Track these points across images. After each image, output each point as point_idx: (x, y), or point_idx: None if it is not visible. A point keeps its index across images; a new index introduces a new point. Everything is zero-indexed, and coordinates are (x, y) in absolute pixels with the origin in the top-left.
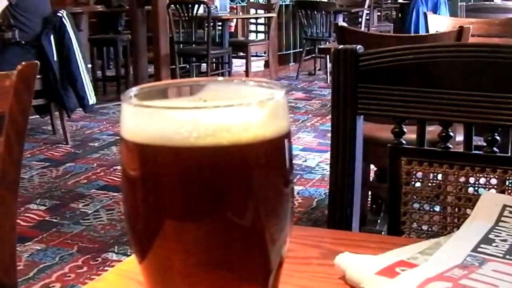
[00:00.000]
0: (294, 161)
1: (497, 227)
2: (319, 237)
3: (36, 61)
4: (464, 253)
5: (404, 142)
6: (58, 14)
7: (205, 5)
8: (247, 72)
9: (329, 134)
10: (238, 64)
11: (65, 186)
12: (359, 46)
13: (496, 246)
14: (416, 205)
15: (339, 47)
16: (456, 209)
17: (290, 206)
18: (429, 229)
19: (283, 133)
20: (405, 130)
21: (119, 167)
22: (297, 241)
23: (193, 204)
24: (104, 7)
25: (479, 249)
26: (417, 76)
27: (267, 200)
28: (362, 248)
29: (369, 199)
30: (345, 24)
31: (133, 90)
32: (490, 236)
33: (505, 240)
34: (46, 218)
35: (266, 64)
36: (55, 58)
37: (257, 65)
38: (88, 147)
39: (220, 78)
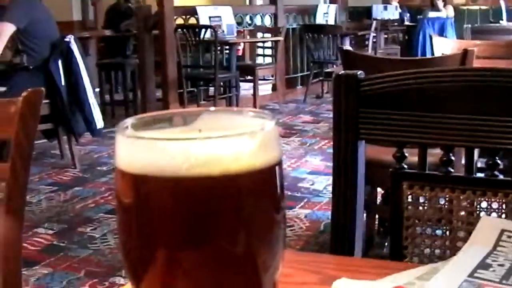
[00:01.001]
0: (302, 184)
1: (495, 252)
2: (318, 262)
3: (42, 88)
4: (460, 278)
5: (405, 166)
6: (66, 39)
7: (212, 30)
8: (254, 96)
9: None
10: (246, 88)
11: (73, 210)
12: (360, 72)
13: (493, 271)
14: (418, 229)
15: (340, 73)
16: (458, 233)
17: (282, 232)
18: (431, 253)
19: (274, 162)
20: (406, 154)
21: None
22: (297, 266)
23: (185, 233)
24: (112, 31)
25: (476, 274)
26: (418, 100)
27: (259, 227)
28: (361, 274)
29: (377, 222)
30: (350, 48)
31: (129, 121)
32: (488, 261)
33: (502, 265)
34: (54, 242)
35: (274, 88)
36: (63, 83)
37: (265, 88)
38: (96, 171)
39: (213, 108)
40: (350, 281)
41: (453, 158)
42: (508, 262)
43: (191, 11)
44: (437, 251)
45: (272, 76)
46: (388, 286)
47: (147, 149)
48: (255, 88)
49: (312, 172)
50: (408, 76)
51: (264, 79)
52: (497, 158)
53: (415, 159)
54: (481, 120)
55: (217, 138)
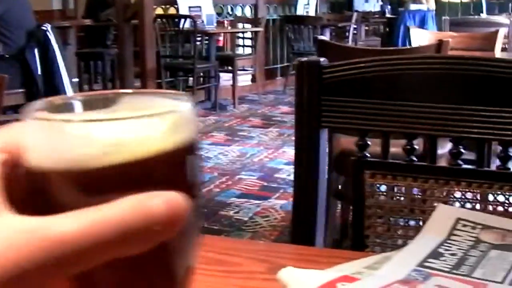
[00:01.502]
0: (278, 175)
1: (448, 241)
2: (268, 251)
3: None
4: (409, 267)
5: (368, 155)
6: (42, 28)
7: (191, 20)
8: (233, 87)
9: None
10: (225, 78)
11: None
12: (323, 59)
13: (444, 260)
14: (380, 219)
15: (303, 60)
16: (420, 223)
17: (195, 220)
18: (393, 243)
19: (186, 145)
20: (369, 143)
21: None
22: (245, 255)
23: None
24: (92, 21)
25: (426, 264)
26: (381, 88)
27: None
28: (311, 263)
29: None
30: (326, 38)
31: (38, 104)
32: (440, 250)
33: (454, 254)
34: None
35: (253, 78)
36: (39, 72)
37: (244, 79)
38: None
39: (131, 90)
40: (296, 270)
41: (416, 146)
42: (460, 252)
43: (171, 0)
44: (400, 240)
45: (252, 67)
46: (334, 275)
47: (49, 135)
48: (234, 79)
49: (289, 163)
50: (371, 63)
51: (243, 70)
52: (460, 147)
53: (396, 149)
54: (444, 109)
55: (124, 119)
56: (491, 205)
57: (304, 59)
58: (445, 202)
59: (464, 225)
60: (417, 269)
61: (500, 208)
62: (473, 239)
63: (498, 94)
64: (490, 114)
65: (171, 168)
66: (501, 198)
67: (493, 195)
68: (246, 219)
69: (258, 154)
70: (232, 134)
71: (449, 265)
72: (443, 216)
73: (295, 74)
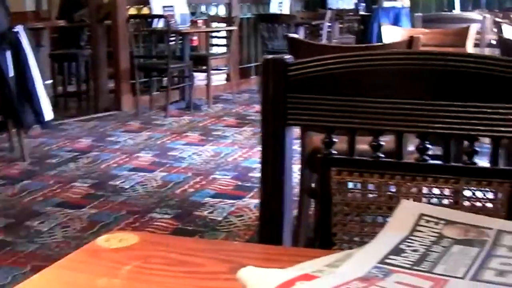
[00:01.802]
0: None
1: (410, 237)
2: (230, 251)
3: None
4: (370, 265)
5: (334, 152)
6: (14, 30)
7: (165, 19)
8: (208, 86)
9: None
10: (200, 78)
11: (20, 204)
12: (288, 56)
13: (406, 256)
14: (347, 216)
15: (268, 57)
16: (387, 219)
17: None
18: (361, 241)
19: None
20: (335, 140)
21: (76, 184)
22: (207, 255)
23: None
24: (65, 22)
25: (387, 260)
26: (346, 85)
27: None
28: (274, 262)
29: None
30: (296, 36)
31: None
32: (401, 246)
33: (416, 250)
34: (0, 237)
35: (228, 78)
36: (11, 74)
37: (218, 78)
38: (46, 164)
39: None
40: (256, 269)
41: (383, 143)
42: (422, 248)
43: (144, 0)
44: (367, 238)
45: (226, 66)
46: (294, 274)
47: None
48: (208, 78)
49: None
50: (337, 60)
51: (218, 69)
52: (427, 142)
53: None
54: (410, 104)
55: None
56: (458, 200)
57: (270, 56)
58: (413, 198)
59: (427, 221)
60: (378, 266)
61: (466, 203)
62: (436, 234)
63: (464, 90)
64: (457, 109)
65: None
66: (467, 193)
67: (460, 190)
68: (220, 219)
69: (232, 153)
70: (207, 134)
71: (410, 261)
72: (406, 212)
73: (261, 72)
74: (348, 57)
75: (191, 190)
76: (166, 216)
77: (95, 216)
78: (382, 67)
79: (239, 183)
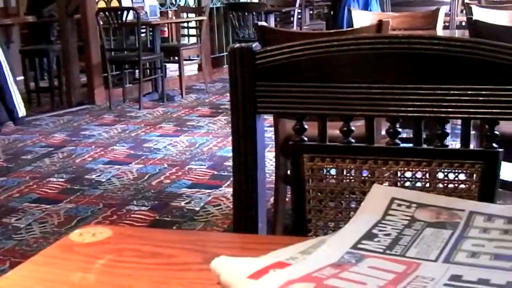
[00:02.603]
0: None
1: (383, 221)
2: (203, 241)
3: None
4: (343, 250)
5: (305, 138)
6: None
7: (134, 11)
8: (180, 77)
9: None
10: (173, 69)
11: None
12: (255, 44)
13: (378, 241)
14: (321, 202)
15: (235, 46)
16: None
17: None
18: (336, 226)
19: None
20: (306, 126)
21: (52, 179)
22: (180, 246)
23: None
24: (35, 17)
25: (360, 246)
26: (315, 71)
27: None
28: (247, 251)
29: None
30: (265, 24)
31: None
32: (374, 231)
33: (388, 235)
34: None
35: (200, 68)
36: None
37: (191, 68)
38: (21, 160)
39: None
40: (230, 259)
41: (353, 128)
42: (395, 232)
43: None
44: (342, 223)
45: (198, 56)
46: (267, 262)
47: None
48: (180, 69)
49: None
50: (304, 46)
51: (190, 60)
52: (397, 126)
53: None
54: (379, 89)
55: None
56: (431, 182)
57: (237, 45)
58: (386, 182)
59: (399, 205)
60: (350, 252)
61: (440, 185)
62: (408, 218)
63: (432, 72)
64: (426, 92)
65: None
66: (440, 175)
67: (433, 172)
68: (197, 209)
69: (207, 143)
70: (181, 124)
71: (383, 245)
72: (378, 197)
73: (228, 61)
74: (315, 43)
75: (168, 181)
76: (143, 208)
77: (72, 210)
78: (349, 52)
79: (215, 172)
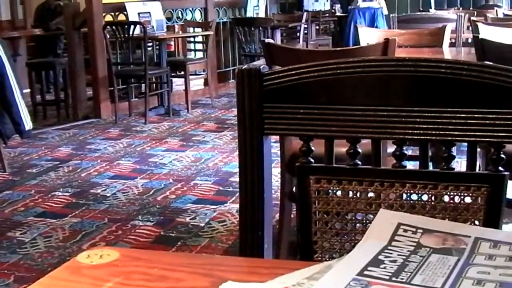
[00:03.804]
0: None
1: (389, 247)
2: (211, 264)
3: None
4: (349, 277)
5: (312, 160)
6: None
7: (141, 26)
8: (186, 91)
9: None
10: (179, 84)
11: (1, 215)
12: (263, 65)
13: (384, 268)
14: (327, 224)
15: (243, 68)
16: (367, 227)
17: None
18: (342, 248)
19: None
20: (312, 148)
21: (57, 193)
22: (188, 269)
23: None
24: (42, 30)
25: (366, 272)
26: (322, 93)
27: None
28: (253, 275)
29: None
30: (272, 41)
31: None
32: (380, 257)
33: (394, 261)
34: None
35: (206, 82)
36: None
37: (197, 83)
38: (26, 173)
39: None
40: (237, 284)
41: (360, 150)
42: (401, 258)
43: (120, 7)
44: (347, 245)
45: (204, 71)
46: (275, 287)
47: None
48: (186, 84)
49: None
50: (312, 68)
51: (196, 74)
52: (404, 148)
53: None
54: (386, 111)
55: None
56: (436, 205)
57: (245, 66)
58: (392, 204)
59: (405, 230)
60: (357, 278)
61: (445, 208)
62: (413, 244)
63: (439, 95)
64: (432, 115)
65: None
66: (446, 198)
67: (439, 195)
68: (202, 224)
69: (212, 158)
70: (186, 139)
71: (389, 272)
72: (384, 222)
73: (236, 82)
74: (322, 65)
75: (173, 196)
76: (148, 223)
77: (77, 225)
78: (357, 74)
79: (221, 188)
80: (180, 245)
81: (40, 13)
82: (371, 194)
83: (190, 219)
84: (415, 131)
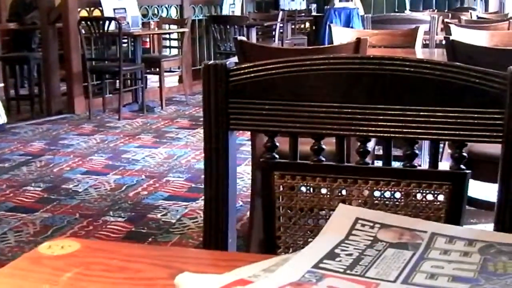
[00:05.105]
0: None
1: (346, 241)
2: (171, 256)
3: None
4: (304, 269)
5: (277, 156)
6: None
7: (116, 22)
8: (160, 88)
9: (242, 147)
10: (154, 80)
11: None
12: (229, 61)
13: (340, 261)
14: (291, 220)
15: (209, 63)
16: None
17: None
18: (305, 243)
19: None
20: (277, 144)
21: (29, 188)
22: (148, 261)
23: None
24: (16, 24)
25: (321, 265)
26: (287, 90)
27: None
28: (211, 267)
29: None
30: (244, 38)
31: None
32: (336, 250)
33: (350, 255)
34: None
35: (180, 79)
36: None
37: (172, 80)
38: None
39: None
40: (193, 275)
41: (324, 147)
42: (357, 252)
43: (95, 2)
44: (310, 240)
45: (179, 68)
46: (230, 279)
47: None
48: (161, 80)
49: None
50: (277, 65)
51: (170, 71)
52: (368, 145)
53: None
54: (350, 108)
55: None
56: (399, 202)
57: (211, 62)
58: (355, 201)
59: (363, 225)
60: (312, 271)
61: (408, 205)
62: (370, 238)
63: (403, 93)
64: (396, 113)
65: None
66: (408, 195)
67: (401, 192)
68: (174, 221)
69: (185, 155)
70: (160, 136)
71: (344, 265)
72: (342, 216)
73: (202, 78)
74: (287, 62)
75: (145, 192)
76: (119, 219)
77: (48, 220)
78: (322, 71)
79: (193, 185)
80: (150, 241)
81: (15, 7)
82: (334, 191)
83: (162, 215)
84: (379, 129)
